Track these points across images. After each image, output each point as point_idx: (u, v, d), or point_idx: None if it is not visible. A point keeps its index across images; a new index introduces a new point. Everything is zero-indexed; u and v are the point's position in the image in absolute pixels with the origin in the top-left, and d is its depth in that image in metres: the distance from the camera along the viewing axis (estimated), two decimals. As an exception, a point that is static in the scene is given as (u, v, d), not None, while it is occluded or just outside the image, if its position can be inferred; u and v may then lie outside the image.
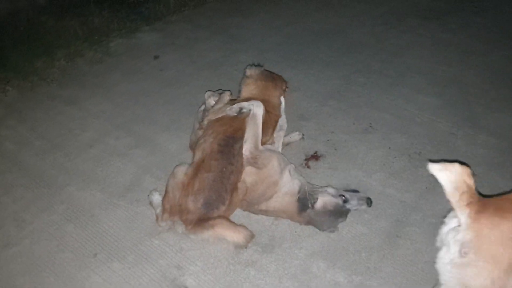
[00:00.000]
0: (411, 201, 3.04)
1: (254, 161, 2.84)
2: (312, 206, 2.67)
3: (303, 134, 3.58)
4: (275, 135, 3.21)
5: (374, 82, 4.26)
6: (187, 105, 3.91)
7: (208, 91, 3.38)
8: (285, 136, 3.51)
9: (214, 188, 2.66)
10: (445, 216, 2.17)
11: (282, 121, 3.27)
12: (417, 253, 2.69)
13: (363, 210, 2.95)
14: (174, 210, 2.72)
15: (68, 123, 3.76)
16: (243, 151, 2.83)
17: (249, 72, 3.29)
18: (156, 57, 4.66)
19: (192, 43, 4.97)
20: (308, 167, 3.32)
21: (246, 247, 2.67)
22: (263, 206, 2.82)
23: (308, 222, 2.74)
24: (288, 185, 2.83)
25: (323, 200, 2.68)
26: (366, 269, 2.61)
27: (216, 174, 2.69)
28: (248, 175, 2.87)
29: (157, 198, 2.89)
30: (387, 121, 3.76)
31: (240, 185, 2.80)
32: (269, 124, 3.06)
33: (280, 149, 3.23)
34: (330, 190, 2.74)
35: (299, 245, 2.75)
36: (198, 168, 2.74)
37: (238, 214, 2.92)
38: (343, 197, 2.69)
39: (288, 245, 2.75)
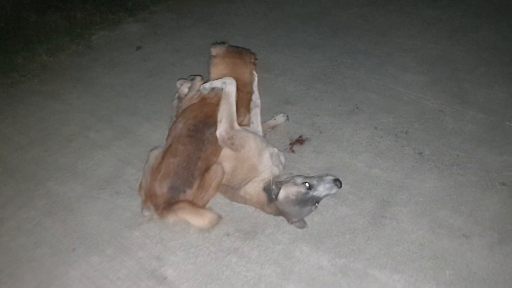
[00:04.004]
0: (397, 181, 2.96)
1: (231, 142, 2.75)
2: (276, 197, 2.57)
3: (287, 116, 3.50)
4: (251, 114, 3.13)
5: (361, 63, 4.17)
6: (169, 95, 3.79)
7: (180, 79, 3.31)
8: (269, 119, 3.45)
9: (180, 173, 2.59)
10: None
11: (255, 97, 3.18)
12: (403, 233, 2.62)
13: (348, 192, 2.90)
14: (147, 195, 2.67)
15: (48, 118, 3.68)
16: (218, 132, 2.75)
17: (214, 51, 3.16)
18: (138, 48, 4.57)
19: (175, 32, 4.88)
20: (293, 151, 3.25)
21: (213, 230, 2.61)
22: (242, 192, 2.74)
23: (278, 214, 2.65)
24: (267, 171, 2.75)
25: (285, 190, 2.56)
26: (351, 251, 2.54)
27: (181, 158, 2.62)
28: (227, 160, 2.80)
29: None
30: (374, 101, 3.68)
31: (214, 167, 2.73)
32: (240, 103, 2.95)
33: (259, 127, 3.13)
34: (297, 179, 2.60)
35: (282, 230, 2.68)
36: (165, 153, 2.69)
37: (220, 202, 2.86)
38: (307, 184, 2.53)
39: (271, 230, 2.68)
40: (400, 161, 3.11)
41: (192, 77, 3.28)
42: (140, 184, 2.77)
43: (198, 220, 2.53)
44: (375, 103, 3.65)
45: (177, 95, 3.26)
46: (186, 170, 2.60)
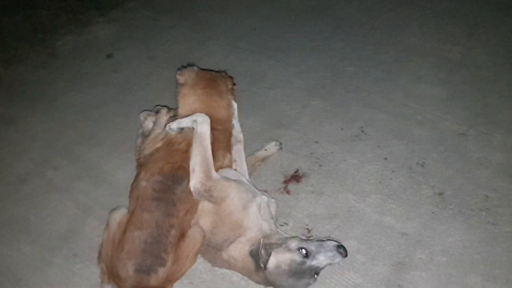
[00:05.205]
0: (414, 233, 2.44)
1: (209, 195, 2.23)
2: (264, 266, 2.05)
3: (280, 143, 2.96)
4: (232, 151, 2.58)
5: (365, 71, 3.58)
6: (142, 117, 3.26)
7: (144, 110, 2.76)
8: (259, 150, 2.91)
9: (148, 250, 2.05)
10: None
11: (236, 131, 2.65)
12: (425, 311, 2.10)
13: (356, 250, 2.38)
14: (108, 272, 2.15)
15: (-1, 151, 3.13)
16: (192, 184, 2.21)
17: (182, 78, 2.60)
18: (109, 56, 3.97)
19: (152, 34, 4.25)
20: (287, 192, 2.71)
21: None
22: (225, 255, 2.22)
23: (268, 285, 2.13)
24: (255, 228, 2.22)
25: (277, 258, 2.05)
26: None
27: (149, 231, 2.08)
28: (206, 215, 2.28)
29: None
30: (382, 122, 3.11)
31: (192, 232, 2.20)
32: (217, 145, 2.40)
33: (244, 166, 2.61)
34: (292, 243, 2.09)
35: (274, 308, 2.16)
36: (128, 222, 2.14)
37: (199, 268, 2.34)
38: (303, 251, 2.03)
39: (260, 309, 2.16)
40: (417, 205, 2.57)
41: (157, 108, 2.71)
42: (100, 253, 2.25)
43: None
44: (384, 125, 3.08)
45: (141, 130, 2.71)
46: (156, 245, 2.07)
